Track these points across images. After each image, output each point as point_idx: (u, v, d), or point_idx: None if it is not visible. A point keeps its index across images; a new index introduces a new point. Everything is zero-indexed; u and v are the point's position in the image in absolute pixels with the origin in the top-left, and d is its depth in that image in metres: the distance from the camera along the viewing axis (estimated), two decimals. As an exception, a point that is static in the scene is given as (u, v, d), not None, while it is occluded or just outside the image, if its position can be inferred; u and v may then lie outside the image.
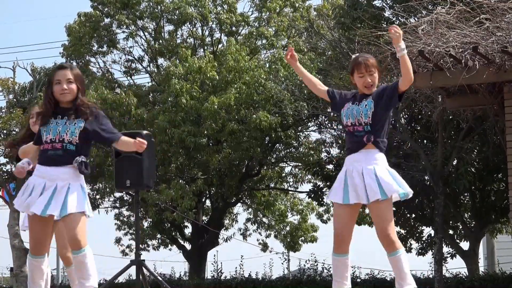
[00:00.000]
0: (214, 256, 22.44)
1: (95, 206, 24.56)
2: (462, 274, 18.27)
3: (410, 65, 5.59)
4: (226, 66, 21.33)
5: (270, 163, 23.45)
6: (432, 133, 16.28)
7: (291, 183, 24.46)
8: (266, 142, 22.06)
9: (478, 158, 17.36)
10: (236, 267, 21.21)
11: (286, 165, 24.10)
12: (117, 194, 23.69)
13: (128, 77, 24.85)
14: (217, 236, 23.64)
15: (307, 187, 28.87)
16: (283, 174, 24.25)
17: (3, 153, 22.14)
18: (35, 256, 5.82)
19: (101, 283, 21.35)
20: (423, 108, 15.90)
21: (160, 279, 9.99)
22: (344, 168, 5.75)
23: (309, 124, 21.70)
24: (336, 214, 5.70)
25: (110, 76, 24.27)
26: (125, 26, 23.46)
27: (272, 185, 24.35)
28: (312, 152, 21.90)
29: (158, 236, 24.12)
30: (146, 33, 23.95)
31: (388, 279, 18.77)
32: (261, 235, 25.19)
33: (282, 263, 27.51)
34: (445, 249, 18.59)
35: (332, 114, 17.95)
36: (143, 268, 9.19)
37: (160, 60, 24.36)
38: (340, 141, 19.69)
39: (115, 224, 24.76)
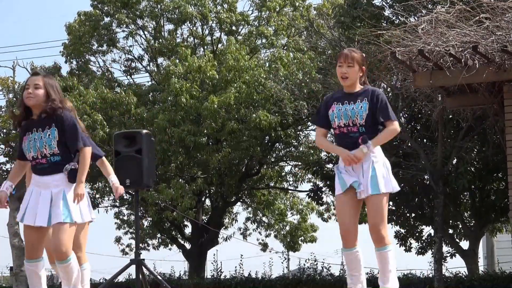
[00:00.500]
0: (214, 255, 22.47)
1: (95, 205, 24.58)
2: (462, 273, 18.27)
3: (386, 139, 5.64)
4: (226, 65, 21.33)
5: (270, 162, 23.45)
6: (432, 133, 16.27)
7: (291, 183, 24.47)
8: (266, 141, 22.06)
9: (478, 158, 17.35)
10: (235, 267, 21.24)
11: (286, 164, 24.11)
12: (117, 194, 23.67)
13: (128, 76, 24.88)
14: (217, 236, 23.64)
15: (307, 186, 28.90)
16: (283, 174, 24.25)
17: (3, 152, 22.15)
18: (30, 260, 5.80)
19: (101, 282, 21.36)
20: (423, 107, 15.89)
21: (160, 278, 9.99)
22: (340, 165, 5.72)
23: (309, 123, 21.69)
24: (338, 209, 5.66)
25: (110, 75, 24.28)
26: (125, 25, 23.47)
27: (272, 184, 24.35)
28: (312, 152, 21.89)
29: (158, 235, 24.12)
30: (146, 32, 23.95)
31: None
32: (261, 234, 25.21)
33: (282, 263, 27.56)
34: (445, 248, 18.60)
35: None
36: (143, 267, 9.19)
37: (160, 59, 24.38)
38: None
39: (115, 223, 24.78)
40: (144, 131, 9.61)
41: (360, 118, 5.55)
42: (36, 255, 5.79)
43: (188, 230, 24.16)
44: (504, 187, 16.82)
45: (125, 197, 24.05)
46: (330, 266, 20.68)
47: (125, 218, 24.67)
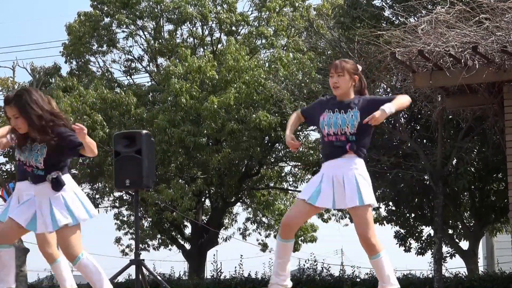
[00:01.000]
0: (214, 255, 22.42)
1: (95, 205, 24.59)
2: (462, 273, 18.26)
3: (403, 104, 5.60)
4: (225, 65, 21.34)
5: (270, 162, 23.45)
6: (431, 133, 16.27)
7: (290, 183, 24.47)
8: (266, 141, 22.07)
9: (477, 158, 17.35)
10: (235, 267, 21.20)
11: (286, 164, 24.11)
12: (117, 194, 23.70)
13: (128, 77, 24.89)
14: (216, 236, 23.64)
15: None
16: (283, 174, 24.25)
17: (3, 153, 22.14)
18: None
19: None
20: (423, 107, 15.89)
21: (160, 278, 9.99)
22: (321, 172, 5.70)
23: (309, 123, 21.68)
24: (296, 205, 5.68)
25: (109, 76, 24.29)
26: (125, 26, 23.48)
27: (271, 184, 24.35)
28: (312, 152, 21.89)
29: (158, 236, 24.12)
30: (146, 33, 23.96)
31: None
32: (260, 234, 25.22)
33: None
34: (445, 248, 18.59)
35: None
36: (143, 268, 9.19)
37: (160, 60, 24.40)
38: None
39: (115, 223, 24.78)
40: (144, 131, 9.60)
41: (351, 128, 5.54)
42: (5, 241, 5.75)
43: (188, 231, 24.17)
44: (504, 188, 16.83)
45: (124, 197, 24.07)
46: (330, 267, 20.68)
47: (125, 219, 24.68)
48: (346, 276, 19.12)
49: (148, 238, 23.83)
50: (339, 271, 19.85)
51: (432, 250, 17.78)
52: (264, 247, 25.04)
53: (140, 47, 24.33)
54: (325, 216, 24.19)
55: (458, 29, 10.49)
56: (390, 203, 18.71)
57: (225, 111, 20.51)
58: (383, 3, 17.01)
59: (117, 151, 9.47)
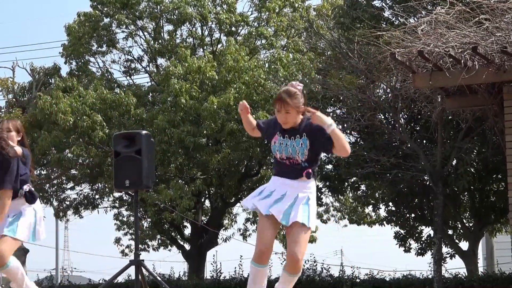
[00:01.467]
0: (213, 256, 22.40)
1: (94, 206, 24.60)
2: (461, 274, 18.26)
3: (343, 140, 5.46)
4: (225, 66, 21.33)
5: (270, 163, 23.44)
6: (431, 133, 16.27)
7: (290, 183, 24.42)
8: (266, 142, 22.05)
9: (477, 159, 17.36)
10: (235, 267, 21.19)
11: (286, 165, 24.06)
12: (116, 194, 23.69)
13: (128, 77, 24.89)
14: (216, 236, 23.64)
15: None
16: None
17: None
18: None
19: (100, 283, 21.36)
20: (423, 108, 15.90)
21: (159, 279, 9.98)
22: (273, 185, 5.69)
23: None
24: (261, 226, 5.62)
25: (109, 76, 24.28)
26: (124, 26, 23.47)
27: (271, 185, 24.30)
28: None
29: (158, 236, 24.12)
30: (145, 33, 23.96)
31: (387, 279, 18.78)
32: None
33: (281, 263, 27.48)
34: (444, 249, 18.59)
35: (331, 114, 17.95)
36: (142, 268, 9.19)
37: (160, 60, 24.39)
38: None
39: (115, 224, 24.78)
40: (144, 132, 9.60)
41: (302, 156, 5.55)
42: None
43: (187, 231, 24.16)
44: (504, 188, 16.83)
45: (124, 198, 24.07)
46: (329, 267, 20.67)
47: (125, 219, 24.67)
48: (345, 277, 19.12)
49: (148, 238, 23.83)
50: (339, 272, 19.85)
51: (432, 251, 17.78)
52: (264, 247, 24.99)
53: (139, 47, 24.35)
54: (324, 217, 24.18)
55: (458, 29, 10.49)
56: (390, 204, 18.73)
57: (224, 111, 20.51)
58: (383, 4, 17.02)
59: (117, 152, 9.46)
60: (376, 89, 16.68)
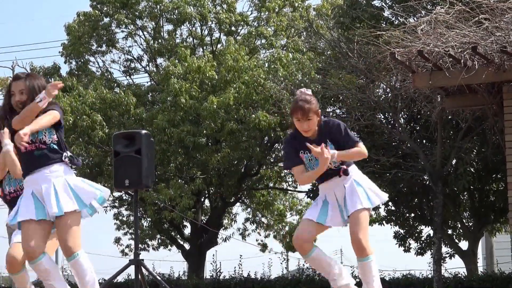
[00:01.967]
0: (213, 255, 22.42)
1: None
2: (461, 274, 18.28)
3: (352, 155, 5.62)
4: (225, 65, 21.33)
5: (269, 162, 23.44)
6: (431, 133, 16.28)
7: (290, 183, 24.45)
8: (265, 141, 22.06)
9: (477, 158, 17.36)
10: (235, 267, 21.21)
11: (285, 164, 24.05)
12: (116, 194, 23.68)
13: (127, 77, 24.88)
14: (216, 236, 23.63)
15: (306, 186, 28.85)
16: (282, 174, 24.22)
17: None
18: None
19: (100, 283, 21.34)
20: (422, 108, 15.90)
21: (159, 278, 9.97)
22: (323, 193, 5.77)
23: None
24: (303, 223, 5.73)
25: (109, 76, 24.28)
26: (124, 26, 23.47)
27: (271, 184, 24.33)
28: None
29: (158, 236, 24.12)
30: (145, 33, 23.96)
31: (387, 279, 18.78)
32: (260, 235, 25.19)
33: (281, 263, 27.55)
34: (444, 249, 18.60)
35: (331, 114, 17.95)
36: (142, 268, 9.19)
37: (159, 60, 24.38)
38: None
39: (115, 223, 24.77)
40: (144, 131, 9.59)
41: (334, 162, 5.62)
42: None
43: (187, 231, 24.17)
44: (504, 188, 16.83)
45: (124, 197, 24.06)
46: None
47: (124, 219, 24.67)
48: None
49: (148, 238, 23.83)
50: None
51: (432, 250, 17.78)
52: (264, 247, 25.02)
53: (139, 47, 24.35)
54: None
55: (457, 29, 10.49)
56: (390, 203, 18.72)
57: (224, 111, 20.50)
58: (383, 4, 17.01)
59: (117, 151, 9.45)
60: (376, 89, 16.68)
